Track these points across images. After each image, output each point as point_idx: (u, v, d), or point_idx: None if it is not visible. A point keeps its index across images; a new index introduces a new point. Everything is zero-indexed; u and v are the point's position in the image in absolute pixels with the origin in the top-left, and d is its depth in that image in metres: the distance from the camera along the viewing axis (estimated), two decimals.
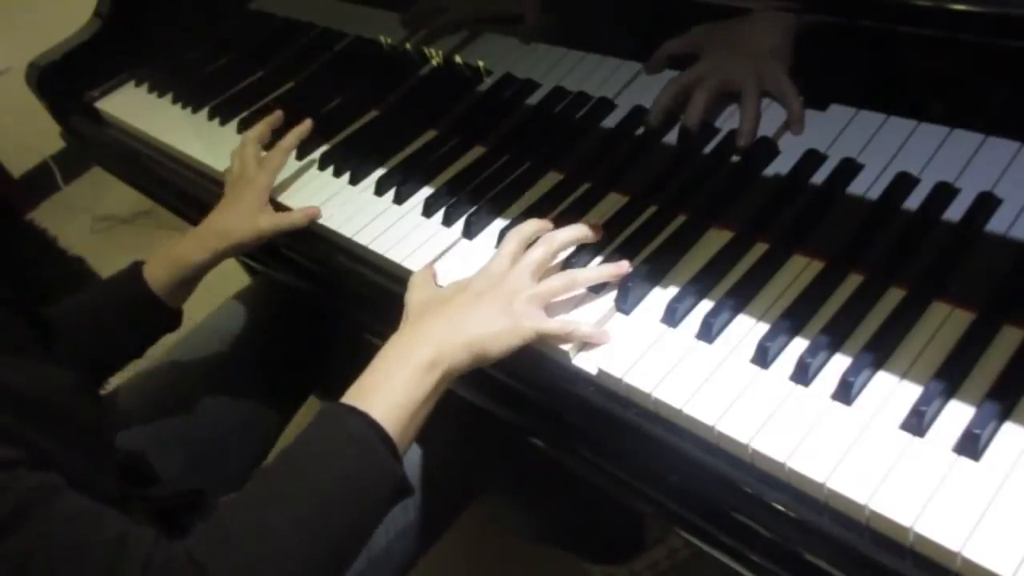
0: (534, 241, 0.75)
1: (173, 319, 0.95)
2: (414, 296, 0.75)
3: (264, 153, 1.01)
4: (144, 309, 0.92)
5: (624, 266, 0.74)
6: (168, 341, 1.02)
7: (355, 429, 0.62)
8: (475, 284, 0.72)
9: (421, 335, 0.69)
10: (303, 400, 1.15)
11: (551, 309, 0.73)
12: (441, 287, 0.78)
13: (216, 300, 1.14)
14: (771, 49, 0.69)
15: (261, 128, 1.04)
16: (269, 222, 0.94)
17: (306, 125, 1.02)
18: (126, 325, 0.92)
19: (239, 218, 0.94)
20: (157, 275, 0.92)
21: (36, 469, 0.56)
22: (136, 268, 0.93)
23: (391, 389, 0.65)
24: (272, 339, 1.09)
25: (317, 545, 0.59)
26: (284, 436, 1.10)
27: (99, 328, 0.91)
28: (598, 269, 0.75)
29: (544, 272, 0.74)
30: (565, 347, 0.71)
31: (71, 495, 0.56)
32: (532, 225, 0.77)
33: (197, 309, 1.13)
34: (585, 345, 0.71)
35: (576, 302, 0.74)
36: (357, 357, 1.29)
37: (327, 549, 0.59)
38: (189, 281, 0.94)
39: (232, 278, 1.58)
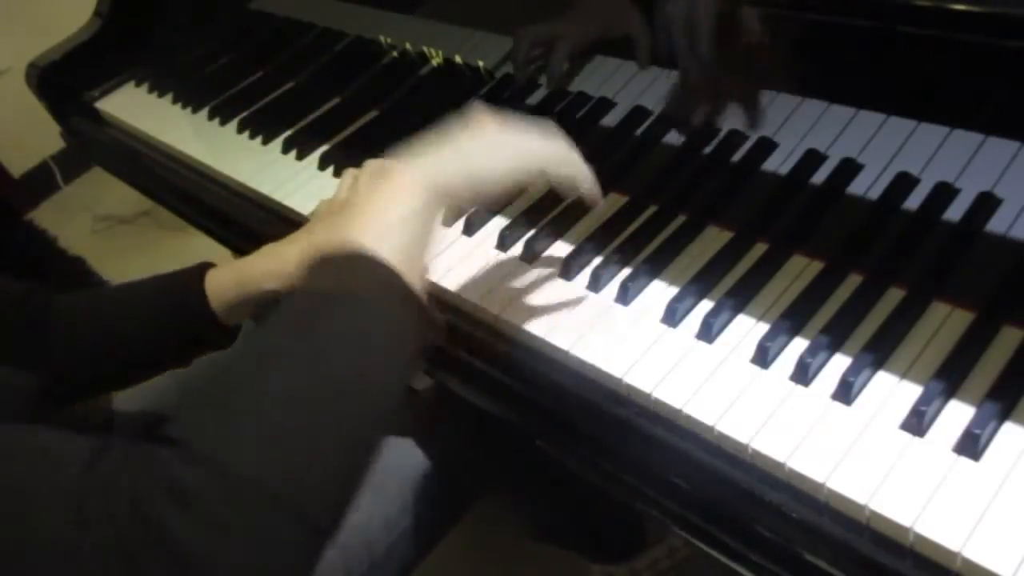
0: None
1: (223, 337, 0.82)
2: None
3: None
4: (198, 326, 0.80)
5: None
6: None
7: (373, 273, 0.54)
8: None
9: (414, 172, 0.61)
10: None
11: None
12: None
13: None
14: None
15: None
16: None
17: None
18: (173, 336, 0.81)
19: None
20: (218, 292, 0.80)
21: None
22: (199, 276, 0.80)
23: (385, 227, 0.58)
24: None
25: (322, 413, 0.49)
26: None
27: (143, 335, 0.81)
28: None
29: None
30: (564, 345, 0.71)
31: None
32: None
33: None
34: (585, 344, 0.71)
35: (573, 303, 0.74)
36: None
37: (337, 423, 0.50)
38: (251, 302, 0.80)
39: None
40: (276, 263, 0.79)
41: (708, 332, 0.68)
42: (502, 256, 0.83)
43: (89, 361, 0.81)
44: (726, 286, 0.72)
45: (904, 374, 0.61)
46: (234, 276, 0.80)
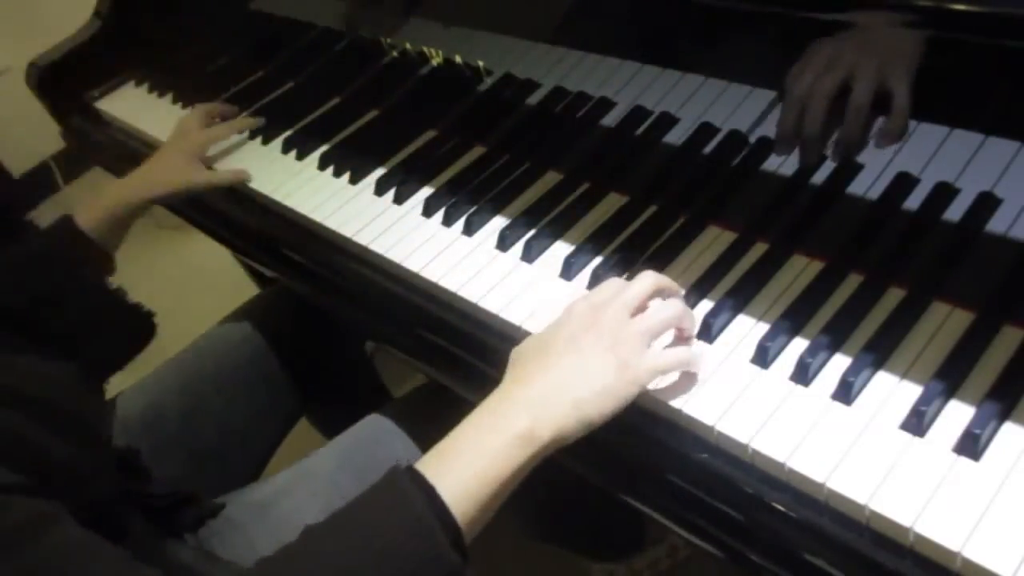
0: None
1: (107, 261, 0.99)
2: (520, 345, 0.65)
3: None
4: (79, 250, 0.94)
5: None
6: (173, 349, 1.02)
7: (415, 508, 0.54)
8: (566, 328, 0.63)
9: (516, 399, 0.60)
10: (303, 412, 1.15)
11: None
12: (534, 336, 0.67)
13: (222, 311, 1.14)
14: (896, 49, 0.62)
15: (216, 105, 1.15)
16: (202, 175, 1.04)
17: (256, 120, 1.12)
18: (64, 270, 0.91)
19: (172, 168, 1.03)
20: (87, 219, 0.96)
21: (37, 490, 0.54)
22: (67, 216, 0.96)
23: (474, 458, 0.57)
24: (275, 352, 1.09)
25: None
26: (283, 445, 1.11)
27: (36, 278, 0.89)
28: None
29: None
30: None
31: (68, 526, 0.53)
32: (621, 281, 0.68)
33: (204, 319, 1.13)
34: None
35: None
36: (358, 373, 1.30)
37: None
38: (118, 225, 0.99)
39: (241, 290, 1.58)
40: (130, 184, 1.02)
41: (708, 332, 0.68)
42: (502, 256, 0.83)
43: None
44: (726, 286, 0.72)
45: (904, 374, 0.61)
46: (97, 204, 0.98)
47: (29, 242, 0.95)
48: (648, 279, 0.65)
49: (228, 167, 1.07)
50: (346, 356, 1.24)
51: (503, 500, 0.59)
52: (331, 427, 0.95)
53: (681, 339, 0.66)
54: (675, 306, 0.64)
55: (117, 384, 1.00)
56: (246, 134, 1.12)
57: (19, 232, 0.95)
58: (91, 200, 0.98)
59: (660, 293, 0.66)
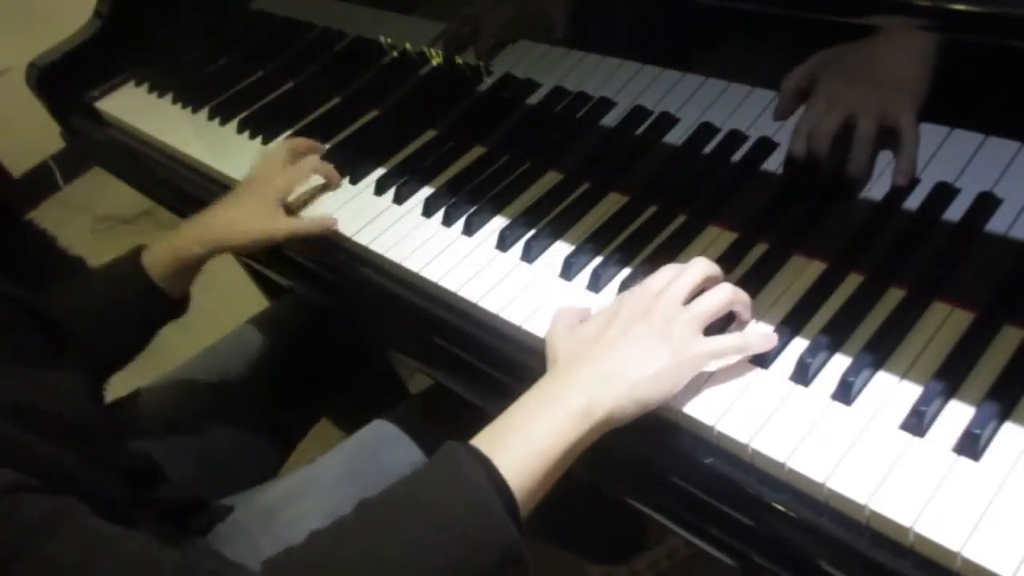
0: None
1: (176, 307, 0.93)
2: (555, 334, 0.67)
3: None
4: (145, 300, 0.90)
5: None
6: (185, 354, 1.02)
7: (473, 479, 0.55)
8: (621, 318, 0.63)
9: (571, 381, 0.61)
10: (316, 421, 1.15)
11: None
12: (583, 326, 0.67)
13: (228, 313, 1.14)
14: (900, 77, 0.62)
15: (300, 142, 1.01)
16: (286, 224, 0.92)
17: (335, 174, 0.98)
18: (126, 316, 0.90)
19: (253, 215, 0.91)
20: (156, 264, 0.89)
21: (48, 491, 0.54)
22: (135, 257, 0.90)
23: (530, 434, 0.58)
24: (287, 362, 1.08)
25: None
26: (296, 452, 1.11)
27: (99, 319, 0.88)
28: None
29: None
30: None
31: (85, 518, 0.54)
32: (675, 267, 0.68)
33: (210, 321, 1.13)
34: None
35: (572, 304, 0.74)
36: (370, 380, 1.29)
37: None
38: (189, 271, 0.92)
39: (247, 293, 1.59)
40: (203, 231, 0.91)
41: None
42: (502, 256, 0.83)
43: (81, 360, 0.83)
44: None
45: (904, 374, 0.61)
46: (167, 248, 0.90)
47: (95, 285, 0.91)
48: (699, 267, 0.66)
49: (232, 169, 1.07)
50: (362, 359, 1.24)
51: (557, 477, 0.59)
52: (355, 430, 0.95)
53: (740, 324, 0.68)
54: (725, 292, 0.65)
55: (123, 388, 1.00)
56: (246, 134, 1.12)
57: (19, 232, 0.95)
58: (160, 247, 0.90)
59: (712, 280, 0.66)
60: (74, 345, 0.80)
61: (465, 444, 0.57)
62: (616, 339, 0.62)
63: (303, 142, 1.01)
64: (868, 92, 0.65)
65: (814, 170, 0.71)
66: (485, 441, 0.58)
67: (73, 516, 0.54)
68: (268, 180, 0.94)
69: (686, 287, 0.64)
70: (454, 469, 0.56)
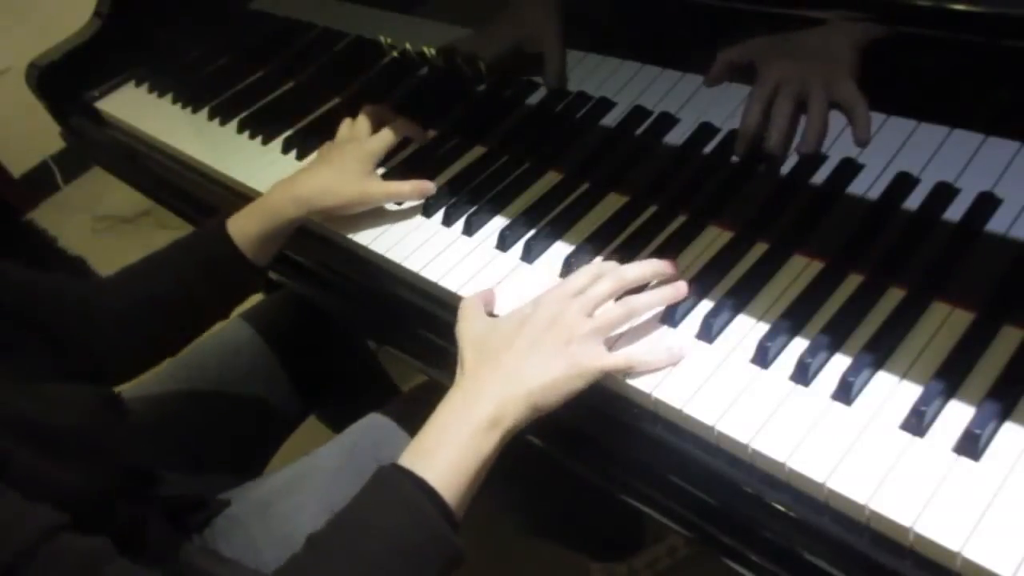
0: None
1: (257, 278, 0.91)
2: (466, 330, 0.70)
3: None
4: (229, 267, 0.88)
5: (682, 288, 0.70)
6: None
7: (409, 495, 0.60)
8: (531, 323, 0.67)
9: (480, 390, 0.65)
10: (307, 414, 1.15)
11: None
12: (494, 317, 0.72)
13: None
14: (838, 54, 0.64)
15: (385, 110, 1.00)
16: (379, 187, 0.91)
17: (422, 133, 1.00)
18: (209, 283, 0.88)
19: (349, 177, 0.90)
20: (244, 229, 0.87)
21: (75, 525, 0.55)
22: (221, 222, 0.88)
23: (449, 450, 0.62)
24: (277, 357, 1.09)
25: None
26: (283, 448, 1.11)
27: (182, 285, 0.86)
28: (654, 293, 0.70)
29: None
30: None
31: (119, 562, 0.56)
32: (599, 265, 0.72)
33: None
34: None
35: None
36: (366, 371, 1.29)
37: None
38: (277, 237, 0.89)
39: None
40: (299, 190, 0.88)
41: (708, 332, 0.68)
42: (502, 256, 0.83)
43: (139, 334, 0.86)
44: (726, 286, 0.72)
45: (904, 374, 0.61)
46: (255, 214, 0.88)
47: (179, 251, 0.88)
48: (606, 284, 0.69)
49: (232, 169, 1.07)
50: (352, 356, 1.24)
51: (480, 483, 0.64)
52: (342, 426, 0.95)
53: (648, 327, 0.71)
54: (624, 306, 0.68)
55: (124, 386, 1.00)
56: (246, 134, 1.12)
57: (19, 232, 0.95)
58: (248, 211, 0.88)
59: (623, 289, 0.70)
60: (84, 350, 0.80)
61: (400, 468, 0.62)
62: (524, 347, 0.66)
63: (381, 108, 1.00)
64: (818, 70, 0.68)
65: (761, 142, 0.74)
66: (409, 462, 0.62)
67: (109, 559, 0.56)
68: (359, 144, 0.94)
69: (598, 298, 0.68)
70: (397, 494, 0.61)
